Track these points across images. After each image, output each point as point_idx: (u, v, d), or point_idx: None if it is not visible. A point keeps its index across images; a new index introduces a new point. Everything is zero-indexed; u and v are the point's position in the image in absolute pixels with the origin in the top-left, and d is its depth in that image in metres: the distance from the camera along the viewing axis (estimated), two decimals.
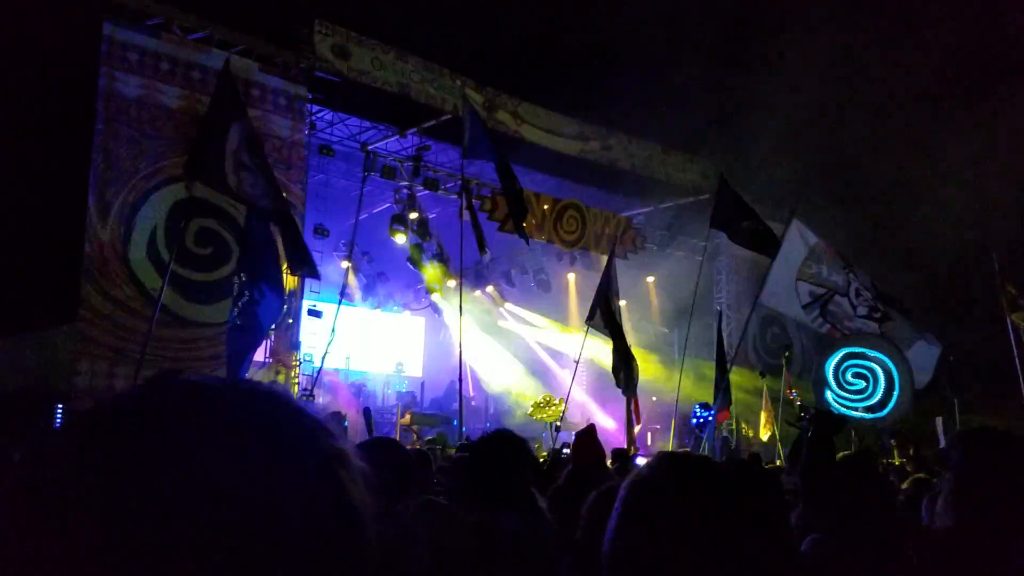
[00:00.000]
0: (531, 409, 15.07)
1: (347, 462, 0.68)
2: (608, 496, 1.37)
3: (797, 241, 10.31)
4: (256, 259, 8.19)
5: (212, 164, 8.05)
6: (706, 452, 10.28)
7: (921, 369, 9.90)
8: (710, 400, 12.58)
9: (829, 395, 9.32)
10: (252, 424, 0.65)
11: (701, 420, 13.46)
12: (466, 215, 9.80)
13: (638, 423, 11.31)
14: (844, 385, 9.31)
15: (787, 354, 14.41)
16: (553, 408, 14.60)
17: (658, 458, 1.18)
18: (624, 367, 10.38)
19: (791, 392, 13.78)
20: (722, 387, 11.54)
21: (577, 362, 11.94)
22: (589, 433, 5.24)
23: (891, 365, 9.33)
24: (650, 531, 1.07)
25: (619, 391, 10.56)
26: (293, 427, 0.67)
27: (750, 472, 1.17)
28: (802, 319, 10.59)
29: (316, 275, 9.03)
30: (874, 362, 9.31)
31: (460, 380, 10.38)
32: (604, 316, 10.67)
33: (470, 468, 3.03)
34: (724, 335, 17.08)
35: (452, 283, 15.29)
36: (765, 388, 14.57)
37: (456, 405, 14.49)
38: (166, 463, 0.60)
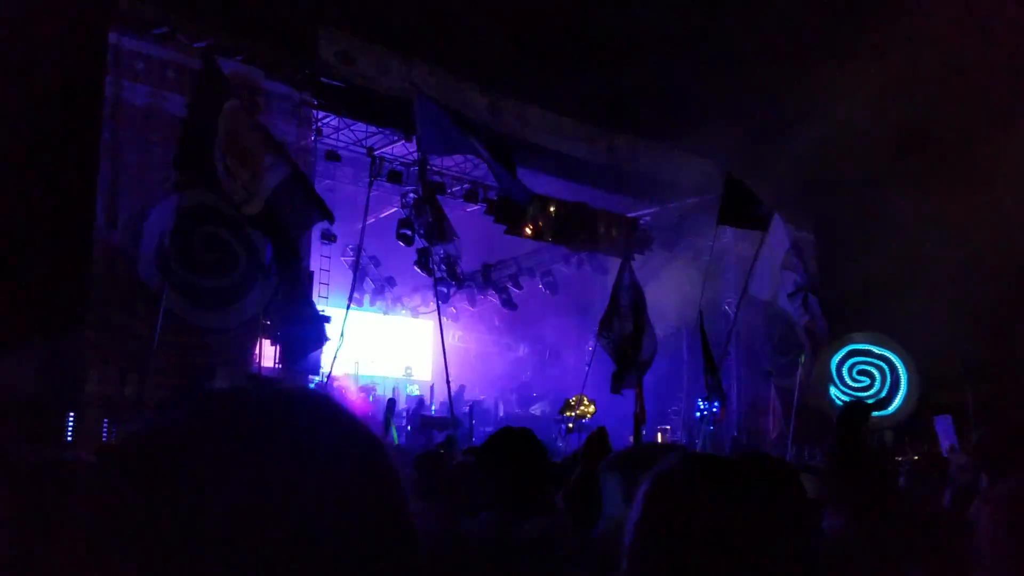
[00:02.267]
0: (561, 407, 15.08)
1: (400, 477, 0.69)
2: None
3: (780, 233, 10.38)
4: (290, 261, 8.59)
5: (201, 163, 8.21)
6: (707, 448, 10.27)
7: None
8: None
9: (833, 391, 9.30)
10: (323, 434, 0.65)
11: (705, 413, 13.42)
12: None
13: (643, 423, 11.32)
14: (848, 382, 9.29)
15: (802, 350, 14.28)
16: (584, 407, 14.62)
17: (683, 454, 1.18)
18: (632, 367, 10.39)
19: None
20: (713, 386, 11.52)
21: (589, 365, 11.97)
22: (600, 435, 5.25)
23: (898, 363, 9.31)
24: (670, 524, 1.08)
25: (625, 393, 10.58)
26: (357, 442, 0.67)
27: (774, 471, 1.17)
28: (787, 308, 10.61)
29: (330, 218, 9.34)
30: (880, 359, 9.29)
31: (448, 384, 10.46)
32: (617, 328, 10.67)
33: (480, 473, 2.87)
34: (734, 334, 17.05)
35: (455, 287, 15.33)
36: (773, 386, 14.51)
37: (467, 409, 14.56)
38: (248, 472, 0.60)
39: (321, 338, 9.67)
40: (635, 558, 1.09)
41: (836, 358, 9.30)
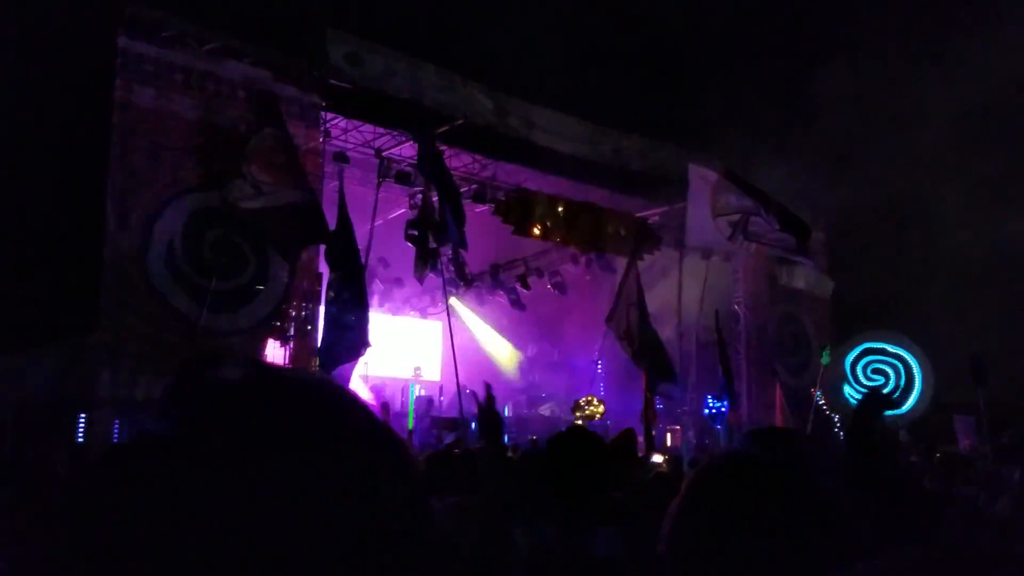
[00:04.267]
0: (571, 408, 15.11)
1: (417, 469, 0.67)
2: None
3: (699, 183, 10.52)
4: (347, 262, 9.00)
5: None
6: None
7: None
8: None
9: (847, 390, 9.26)
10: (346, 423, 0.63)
11: (714, 411, 13.36)
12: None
13: (654, 424, 11.30)
14: (863, 380, 9.24)
15: (825, 348, 14.02)
16: (593, 408, 14.64)
17: (728, 452, 1.20)
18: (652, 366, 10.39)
19: (815, 391, 13.63)
20: (726, 385, 11.49)
21: (598, 361, 11.97)
22: (628, 437, 5.23)
23: (912, 361, 9.25)
24: (709, 513, 1.10)
25: (632, 392, 10.58)
26: (380, 438, 0.65)
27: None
28: (732, 249, 10.71)
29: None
30: (895, 358, 9.24)
31: (459, 388, 10.53)
32: (625, 324, 10.70)
33: (547, 479, 2.53)
34: (742, 335, 17.00)
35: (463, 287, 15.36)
36: (778, 386, 14.46)
37: (475, 409, 14.57)
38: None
39: (361, 345, 9.87)
40: (673, 543, 1.11)
41: (851, 357, 9.24)
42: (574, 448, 2.52)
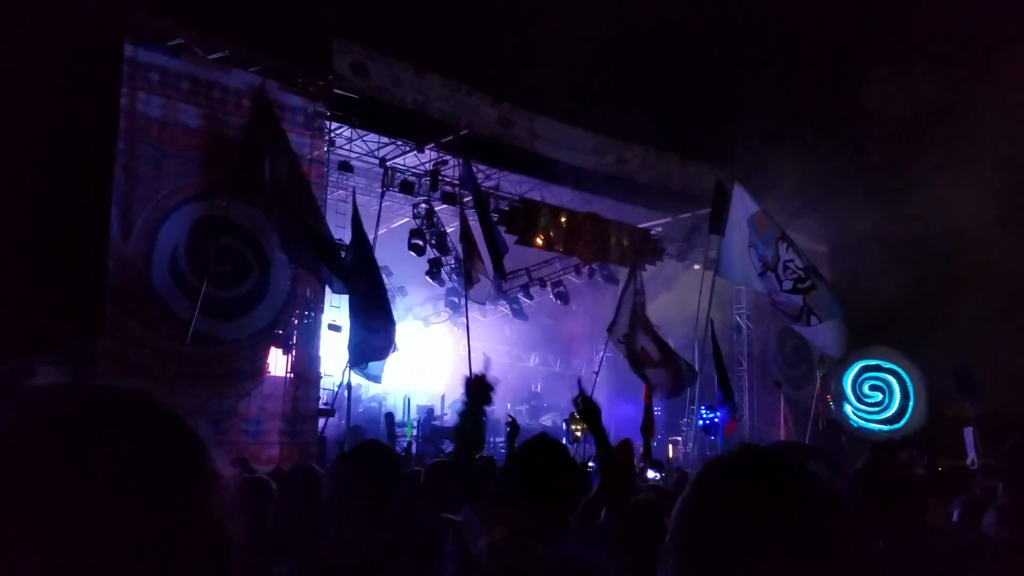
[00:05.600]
0: (568, 419, 15.06)
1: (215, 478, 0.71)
2: None
3: (740, 207, 10.28)
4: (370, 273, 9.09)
5: (252, 181, 8.81)
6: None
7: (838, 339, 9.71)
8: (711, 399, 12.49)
9: (848, 409, 9.24)
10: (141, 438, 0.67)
11: (707, 422, 13.31)
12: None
13: (653, 435, 11.29)
14: (862, 398, 9.23)
15: (822, 361, 14.04)
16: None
17: (740, 446, 1.21)
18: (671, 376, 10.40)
19: (829, 398, 13.52)
20: (724, 397, 11.44)
21: (596, 372, 11.96)
22: (624, 448, 5.23)
23: (905, 377, 9.24)
24: (716, 506, 1.09)
25: (632, 401, 10.59)
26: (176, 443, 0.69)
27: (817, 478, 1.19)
28: (758, 288, 10.49)
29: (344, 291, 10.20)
30: (888, 373, 9.22)
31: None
32: (626, 333, 10.71)
33: (511, 487, 2.51)
34: (744, 346, 16.97)
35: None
36: (783, 398, 14.44)
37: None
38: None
39: (388, 347, 10.00)
40: (678, 534, 1.11)
41: (849, 375, 9.23)
42: (540, 455, 2.55)
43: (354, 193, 11.29)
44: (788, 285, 10.03)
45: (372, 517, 2.42)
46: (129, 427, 0.68)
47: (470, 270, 11.51)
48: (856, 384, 9.47)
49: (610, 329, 11.45)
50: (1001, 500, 2.41)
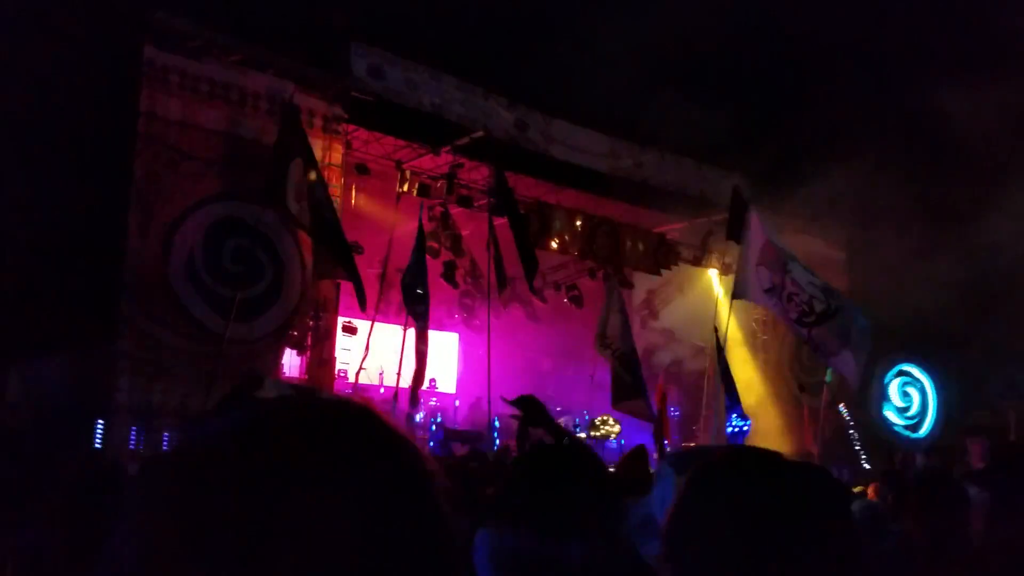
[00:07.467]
0: (587, 427, 15.08)
1: (439, 484, 0.70)
2: None
3: (757, 230, 10.33)
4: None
5: (277, 189, 9.05)
6: None
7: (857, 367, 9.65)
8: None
9: (887, 409, 9.13)
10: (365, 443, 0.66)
11: (736, 430, 13.28)
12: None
13: (667, 439, 11.27)
14: (899, 400, 9.16)
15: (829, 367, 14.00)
16: (608, 427, 14.59)
17: (735, 447, 1.20)
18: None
19: (840, 405, 13.45)
20: (731, 406, 11.42)
21: (592, 376, 12.01)
22: (639, 455, 5.16)
23: (930, 385, 9.17)
24: (709, 509, 1.08)
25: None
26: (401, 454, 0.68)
27: (820, 479, 1.17)
28: (766, 305, 10.49)
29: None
30: (918, 380, 9.15)
31: (489, 401, 10.50)
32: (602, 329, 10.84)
33: (519, 488, 2.44)
34: (761, 351, 16.88)
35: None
36: (805, 406, 14.35)
37: (487, 421, 14.55)
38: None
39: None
40: (671, 540, 1.09)
41: (888, 377, 9.14)
42: (551, 459, 2.45)
43: (423, 207, 11.52)
44: (795, 315, 10.07)
45: None
46: (359, 432, 0.68)
47: (503, 275, 11.62)
48: (893, 386, 9.38)
49: (599, 339, 11.52)
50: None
